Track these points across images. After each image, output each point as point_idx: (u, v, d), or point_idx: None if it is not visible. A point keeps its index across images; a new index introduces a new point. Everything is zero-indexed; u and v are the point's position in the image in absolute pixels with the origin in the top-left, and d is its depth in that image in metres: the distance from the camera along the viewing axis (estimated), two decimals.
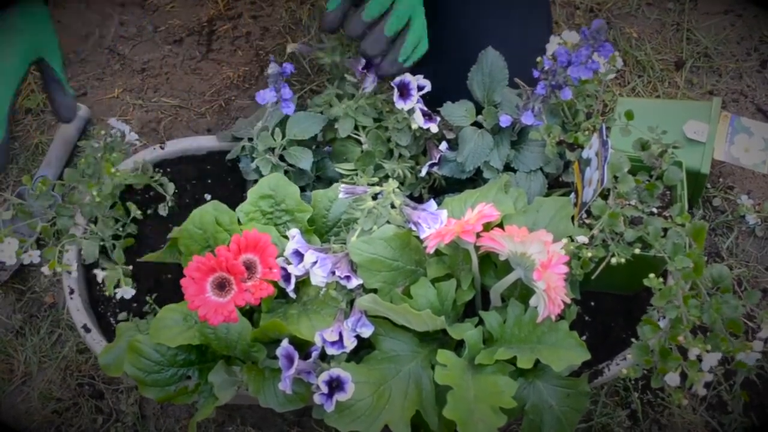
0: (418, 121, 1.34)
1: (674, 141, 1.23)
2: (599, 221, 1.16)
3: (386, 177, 1.37)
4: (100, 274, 1.35)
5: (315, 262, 1.19)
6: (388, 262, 1.21)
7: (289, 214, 1.30)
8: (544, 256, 1.12)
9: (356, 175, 1.37)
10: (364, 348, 1.22)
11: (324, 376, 1.14)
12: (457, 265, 1.24)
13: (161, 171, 1.46)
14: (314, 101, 1.41)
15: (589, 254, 1.15)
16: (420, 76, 1.35)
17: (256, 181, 1.33)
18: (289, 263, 1.22)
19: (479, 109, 1.35)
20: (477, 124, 1.35)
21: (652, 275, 1.12)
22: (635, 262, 1.17)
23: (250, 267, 1.20)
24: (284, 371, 1.16)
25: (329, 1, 1.28)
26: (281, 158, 1.36)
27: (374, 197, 1.24)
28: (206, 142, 1.49)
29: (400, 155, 1.39)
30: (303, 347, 1.20)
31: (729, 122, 1.52)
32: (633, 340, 1.14)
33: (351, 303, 1.22)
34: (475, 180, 1.36)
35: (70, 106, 1.35)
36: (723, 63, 1.85)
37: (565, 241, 1.15)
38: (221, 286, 1.17)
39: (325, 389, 1.14)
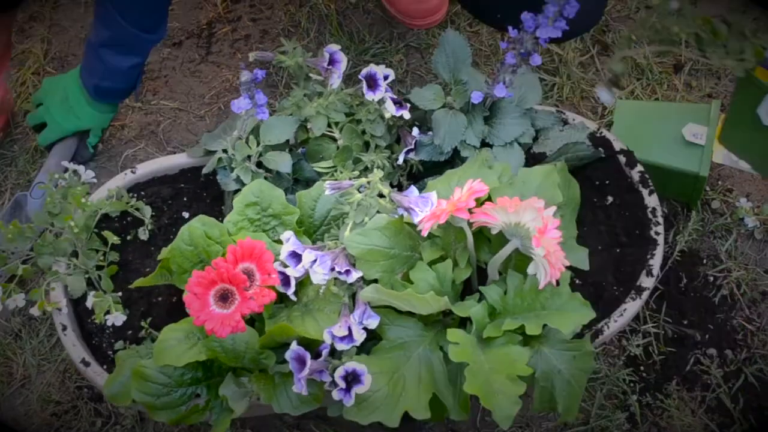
0: (390, 109, 1.35)
1: None
2: None
3: (365, 170, 1.37)
4: (90, 301, 1.33)
5: (314, 261, 1.19)
6: (385, 250, 1.22)
7: (277, 219, 1.30)
8: (539, 222, 1.14)
9: (336, 171, 1.37)
10: (368, 340, 1.23)
11: (340, 371, 1.14)
12: (450, 246, 1.25)
13: (135, 195, 1.44)
14: (282, 104, 1.41)
15: None
16: (383, 66, 1.37)
17: (236, 192, 1.33)
18: (286, 266, 1.22)
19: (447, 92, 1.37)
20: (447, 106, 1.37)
21: None
22: None
23: (248, 275, 1.19)
24: (296, 373, 1.17)
25: None
26: (258, 165, 1.36)
27: (358, 189, 1.25)
28: (178, 160, 1.48)
29: (377, 146, 1.40)
30: (311, 348, 1.20)
31: None
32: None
33: (352, 297, 1.23)
34: (452, 161, 1.38)
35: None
36: (722, 66, 1.84)
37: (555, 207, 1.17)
38: (224, 298, 1.16)
39: (342, 384, 1.15)
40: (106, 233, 1.38)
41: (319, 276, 1.20)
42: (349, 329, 1.18)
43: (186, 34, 1.97)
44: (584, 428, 1.51)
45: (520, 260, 1.24)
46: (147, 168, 1.47)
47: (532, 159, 1.40)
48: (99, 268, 1.37)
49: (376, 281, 1.22)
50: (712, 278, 1.63)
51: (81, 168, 1.39)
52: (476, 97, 1.33)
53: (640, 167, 1.42)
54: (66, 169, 1.39)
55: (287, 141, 1.39)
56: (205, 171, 1.42)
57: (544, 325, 1.17)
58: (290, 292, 1.23)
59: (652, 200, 1.40)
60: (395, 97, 1.37)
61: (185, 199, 1.46)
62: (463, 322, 1.25)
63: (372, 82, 1.35)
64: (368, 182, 1.24)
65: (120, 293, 1.36)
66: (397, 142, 1.43)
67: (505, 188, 1.24)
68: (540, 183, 1.24)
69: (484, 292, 1.23)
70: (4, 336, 1.62)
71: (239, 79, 1.28)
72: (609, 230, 1.40)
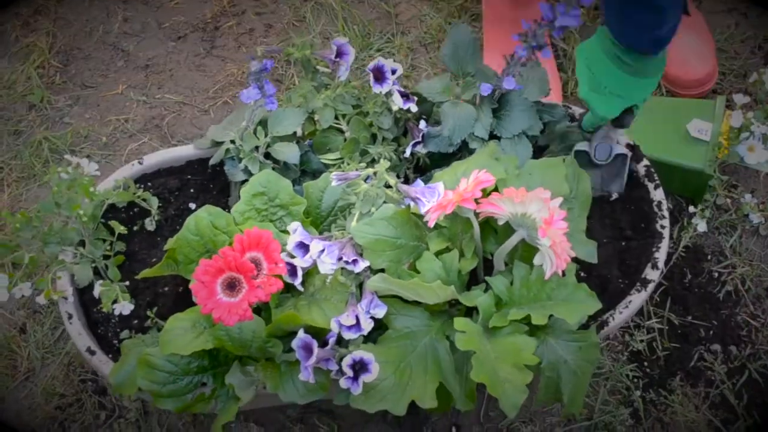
0: (398, 102, 1.36)
1: None
2: None
3: (372, 161, 1.38)
4: (98, 290, 1.33)
5: (322, 251, 1.19)
6: (392, 240, 1.23)
7: (284, 209, 1.30)
8: (546, 213, 1.14)
9: (342, 163, 1.38)
10: (374, 330, 1.23)
11: (348, 360, 1.15)
12: (456, 236, 1.25)
13: (142, 186, 1.45)
14: (289, 96, 1.41)
15: None
16: (390, 60, 1.37)
17: (243, 183, 1.33)
18: (293, 257, 1.23)
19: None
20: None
21: None
22: None
23: (256, 264, 1.20)
24: (303, 361, 1.17)
25: None
26: (266, 156, 1.37)
27: (365, 180, 1.26)
28: (184, 152, 1.48)
29: (384, 138, 1.40)
30: (317, 337, 1.20)
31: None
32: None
33: (359, 287, 1.23)
34: (460, 154, 1.39)
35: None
36: (727, 62, 1.85)
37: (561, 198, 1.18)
38: (231, 286, 1.17)
39: (350, 372, 1.15)
40: (113, 223, 1.38)
41: (328, 266, 1.20)
42: (357, 318, 1.19)
43: (191, 28, 1.98)
44: (588, 423, 1.51)
45: (526, 251, 1.24)
46: (154, 159, 1.48)
47: (539, 152, 1.41)
48: (106, 257, 1.38)
49: (383, 271, 1.22)
50: (716, 274, 1.63)
51: (85, 161, 1.39)
52: (485, 89, 1.33)
53: (645, 161, 1.43)
54: None
55: (294, 132, 1.39)
56: (212, 161, 1.42)
57: (550, 316, 1.17)
58: (297, 282, 1.24)
59: (657, 194, 1.40)
60: (402, 89, 1.37)
61: (192, 190, 1.47)
62: (469, 313, 1.25)
63: (379, 75, 1.36)
64: (375, 173, 1.25)
65: (126, 283, 1.36)
66: (404, 134, 1.44)
67: (512, 180, 1.25)
68: (547, 175, 1.25)
69: (490, 283, 1.23)
70: (9, 329, 1.62)
71: (248, 70, 1.27)
72: (614, 223, 1.41)
